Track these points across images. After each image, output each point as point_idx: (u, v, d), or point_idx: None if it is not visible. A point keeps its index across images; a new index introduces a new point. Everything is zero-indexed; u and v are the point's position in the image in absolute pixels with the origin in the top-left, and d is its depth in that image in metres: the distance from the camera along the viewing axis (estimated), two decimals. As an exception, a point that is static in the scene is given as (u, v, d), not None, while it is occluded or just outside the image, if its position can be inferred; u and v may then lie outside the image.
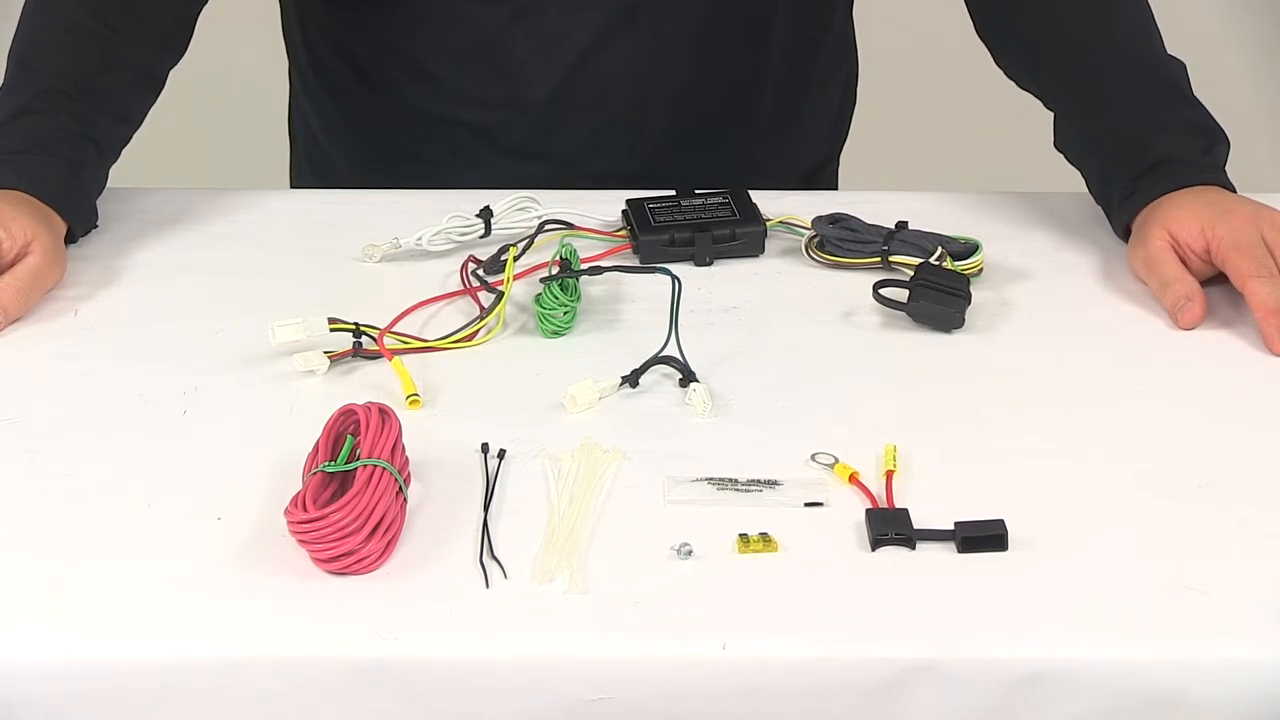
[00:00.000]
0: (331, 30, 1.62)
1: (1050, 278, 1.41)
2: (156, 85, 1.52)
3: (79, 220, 1.43)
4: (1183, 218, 1.37)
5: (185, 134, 2.32)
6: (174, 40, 1.52)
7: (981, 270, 1.38)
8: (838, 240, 1.40)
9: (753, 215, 1.44)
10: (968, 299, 1.34)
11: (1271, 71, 2.87)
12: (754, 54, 1.57)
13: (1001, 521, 1.13)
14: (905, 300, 1.33)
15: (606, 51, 1.52)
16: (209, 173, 2.55)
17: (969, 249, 1.39)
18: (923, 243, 1.39)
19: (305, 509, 1.10)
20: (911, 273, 1.36)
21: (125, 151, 1.48)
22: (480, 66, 1.55)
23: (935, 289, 1.34)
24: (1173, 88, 1.46)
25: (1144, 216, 1.40)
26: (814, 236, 1.42)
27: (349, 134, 1.66)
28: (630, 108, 1.55)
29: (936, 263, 1.36)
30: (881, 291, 1.34)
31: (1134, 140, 1.43)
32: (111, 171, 1.47)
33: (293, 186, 1.74)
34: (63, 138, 1.42)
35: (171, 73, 1.52)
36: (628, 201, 1.46)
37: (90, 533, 1.14)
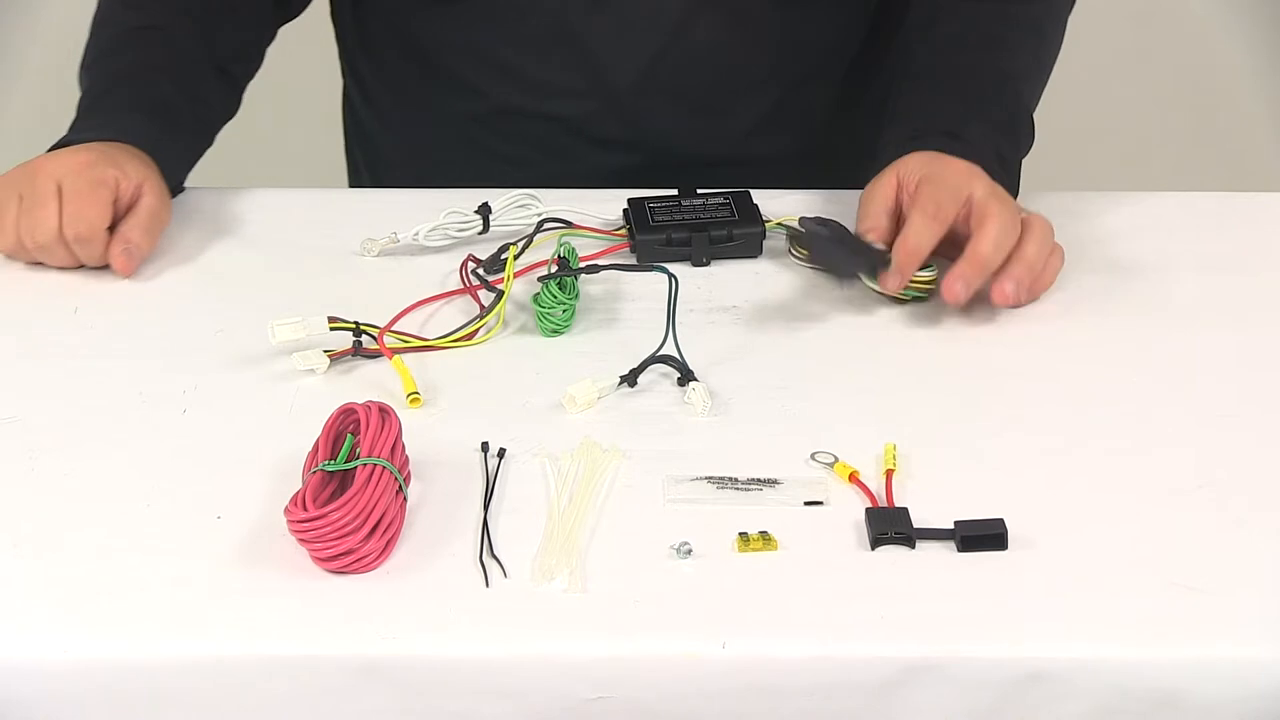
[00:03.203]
0: (400, 31, 1.61)
1: (1050, 277, 1.41)
2: (234, 89, 1.57)
3: (170, 172, 1.47)
4: (915, 163, 1.37)
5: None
6: (255, 50, 1.59)
7: (932, 289, 1.35)
8: (819, 240, 1.40)
9: (752, 216, 1.44)
10: (869, 267, 1.33)
11: (1271, 71, 2.87)
12: (839, 27, 1.56)
13: (1001, 521, 1.13)
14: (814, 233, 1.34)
15: (691, 32, 1.50)
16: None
17: (922, 265, 1.37)
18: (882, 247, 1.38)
19: (305, 508, 1.10)
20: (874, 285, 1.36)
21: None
22: (561, 56, 1.54)
23: (845, 246, 1.34)
24: (999, 103, 1.46)
25: (895, 159, 1.40)
26: (795, 234, 1.42)
27: (419, 138, 1.65)
28: (719, 90, 1.53)
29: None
30: (800, 225, 1.35)
31: (939, 117, 1.43)
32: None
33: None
34: (146, 102, 1.48)
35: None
36: (629, 200, 1.46)
37: (90, 532, 1.14)
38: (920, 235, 1.33)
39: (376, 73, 1.66)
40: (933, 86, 1.47)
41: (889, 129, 1.45)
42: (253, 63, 1.60)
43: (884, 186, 1.38)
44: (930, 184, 1.36)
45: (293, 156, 2.42)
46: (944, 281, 1.33)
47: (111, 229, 1.40)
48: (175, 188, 1.49)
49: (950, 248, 1.35)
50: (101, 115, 1.47)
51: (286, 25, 1.64)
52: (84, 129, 1.46)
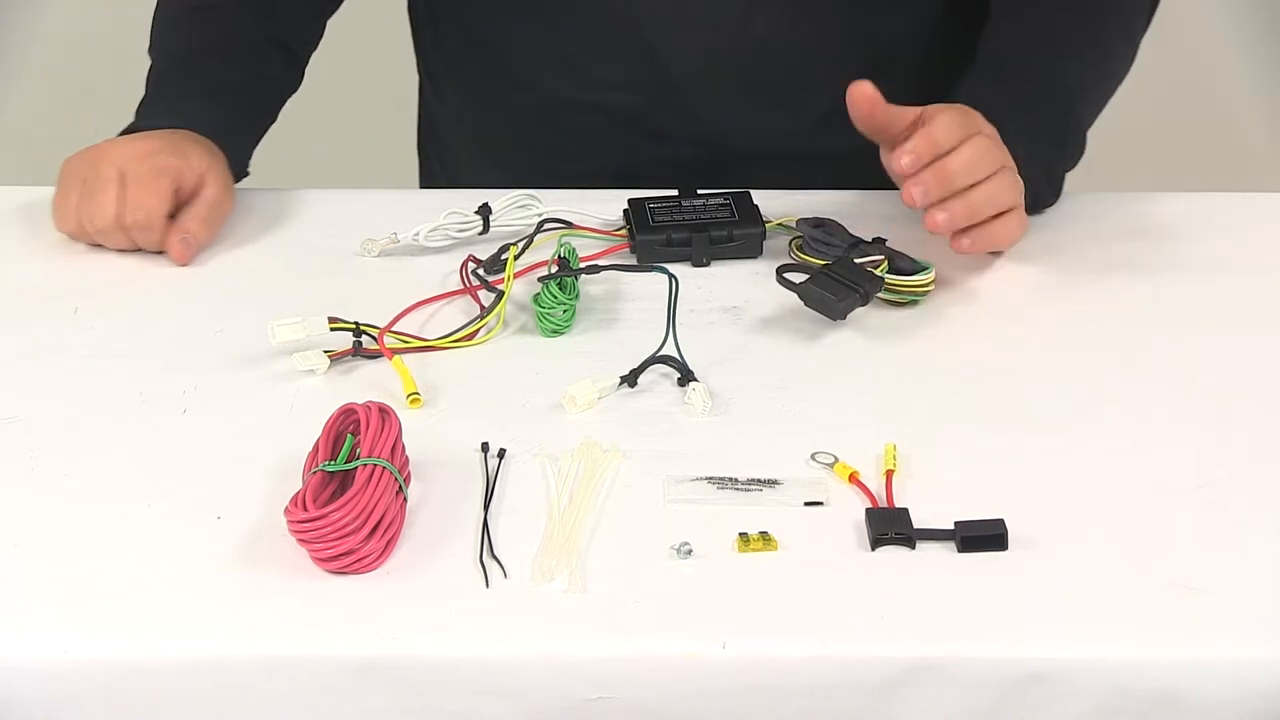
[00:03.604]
0: (464, 23, 1.62)
1: (1051, 278, 1.41)
2: (295, 66, 1.60)
3: (234, 158, 1.48)
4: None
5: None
6: (314, 25, 1.61)
7: (929, 290, 1.36)
8: (812, 243, 1.40)
9: (752, 217, 1.44)
10: (864, 296, 1.33)
11: (1271, 71, 2.87)
12: (911, 22, 1.55)
13: (1001, 521, 1.13)
14: (801, 283, 1.33)
15: (753, 25, 1.48)
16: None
17: (918, 268, 1.37)
18: (877, 251, 1.38)
19: (305, 508, 1.10)
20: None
21: (263, 152, 1.53)
22: (620, 48, 1.54)
23: (833, 279, 1.33)
24: (1049, 106, 1.46)
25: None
26: (798, 236, 1.42)
27: (486, 132, 1.66)
28: (782, 84, 1.51)
29: (868, 263, 1.35)
30: (785, 275, 1.34)
31: (986, 108, 1.42)
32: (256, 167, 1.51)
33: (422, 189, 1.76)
34: (211, 88, 1.50)
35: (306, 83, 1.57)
36: (629, 200, 1.46)
37: (90, 532, 1.14)
38: (949, 132, 1.33)
39: (445, 66, 1.67)
40: (989, 80, 1.46)
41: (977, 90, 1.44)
42: (313, 35, 1.62)
43: (910, 110, 1.36)
44: (944, 110, 1.35)
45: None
46: (904, 186, 1.33)
47: (174, 216, 1.42)
48: (240, 171, 1.51)
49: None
50: (166, 100, 1.50)
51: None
52: (150, 114, 1.49)
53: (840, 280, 1.33)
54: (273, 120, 1.57)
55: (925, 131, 1.34)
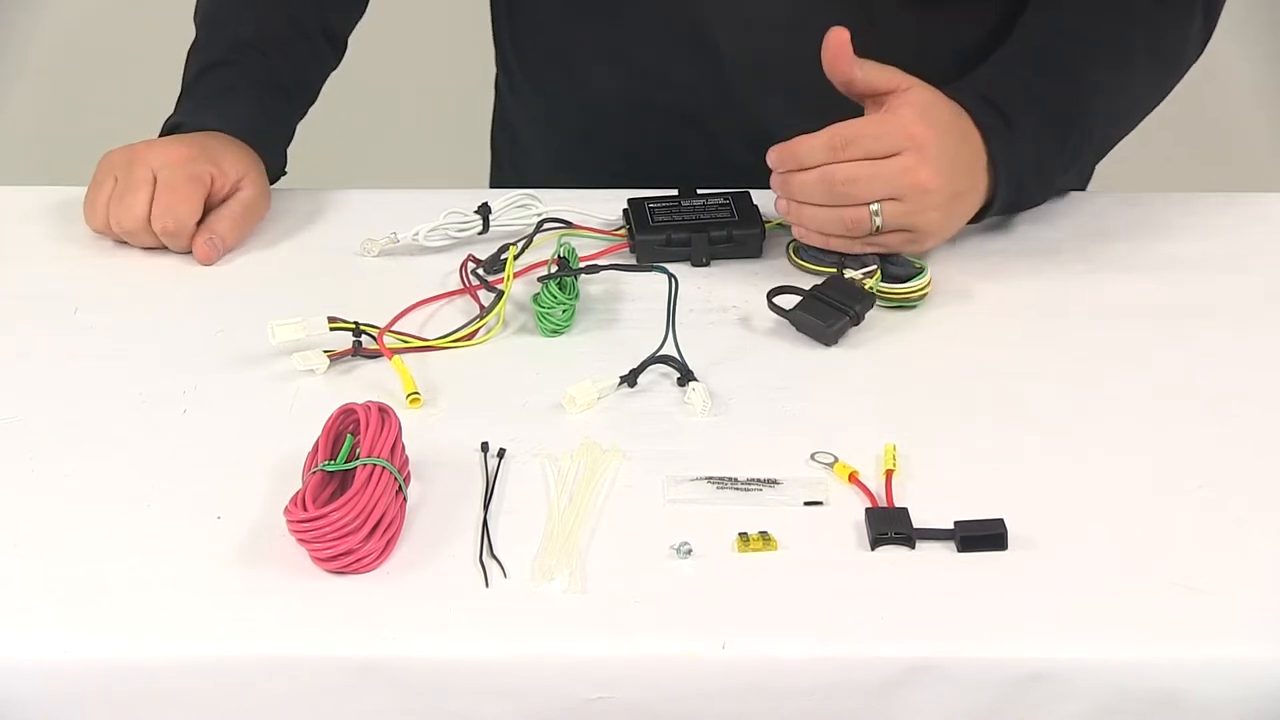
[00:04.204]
0: (538, 22, 1.62)
1: (1051, 278, 1.41)
2: (336, 43, 1.61)
3: (273, 160, 1.49)
4: (922, 94, 1.36)
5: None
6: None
7: (926, 294, 1.36)
8: (808, 245, 1.40)
9: (751, 217, 1.44)
10: (855, 318, 1.32)
11: (1271, 72, 2.87)
12: (977, 33, 1.52)
13: (1001, 521, 1.13)
14: (792, 309, 1.33)
15: (814, 31, 1.44)
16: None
17: (912, 272, 1.37)
18: (870, 260, 1.37)
19: (305, 508, 1.10)
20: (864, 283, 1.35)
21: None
22: (683, 49, 1.53)
23: (824, 302, 1.33)
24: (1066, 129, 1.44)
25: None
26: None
27: (549, 127, 1.66)
28: (835, 90, 1.44)
29: (863, 277, 1.35)
30: (775, 300, 1.34)
31: (982, 81, 1.42)
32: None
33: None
34: (253, 84, 1.52)
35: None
36: (629, 200, 1.46)
37: (90, 532, 1.14)
38: (812, 153, 1.33)
39: (516, 58, 1.67)
40: (1005, 63, 1.44)
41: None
42: (356, 14, 1.63)
43: (889, 73, 1.36)
44: (886, 123, 1.34)
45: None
46: (768, 154, 1.35)
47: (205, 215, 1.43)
48: (278, 170, 1.52)
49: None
50: (208, 96, 1.51)
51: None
52: (191, 110, 1.50)
53: (830, 303, 1.33)
54: (311, 103, 1.58)
55: (829, 132, 1.33)
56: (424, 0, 1.99)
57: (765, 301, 1.35)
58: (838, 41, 1.36)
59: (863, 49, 1.38)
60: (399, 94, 1.94)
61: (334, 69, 1.62)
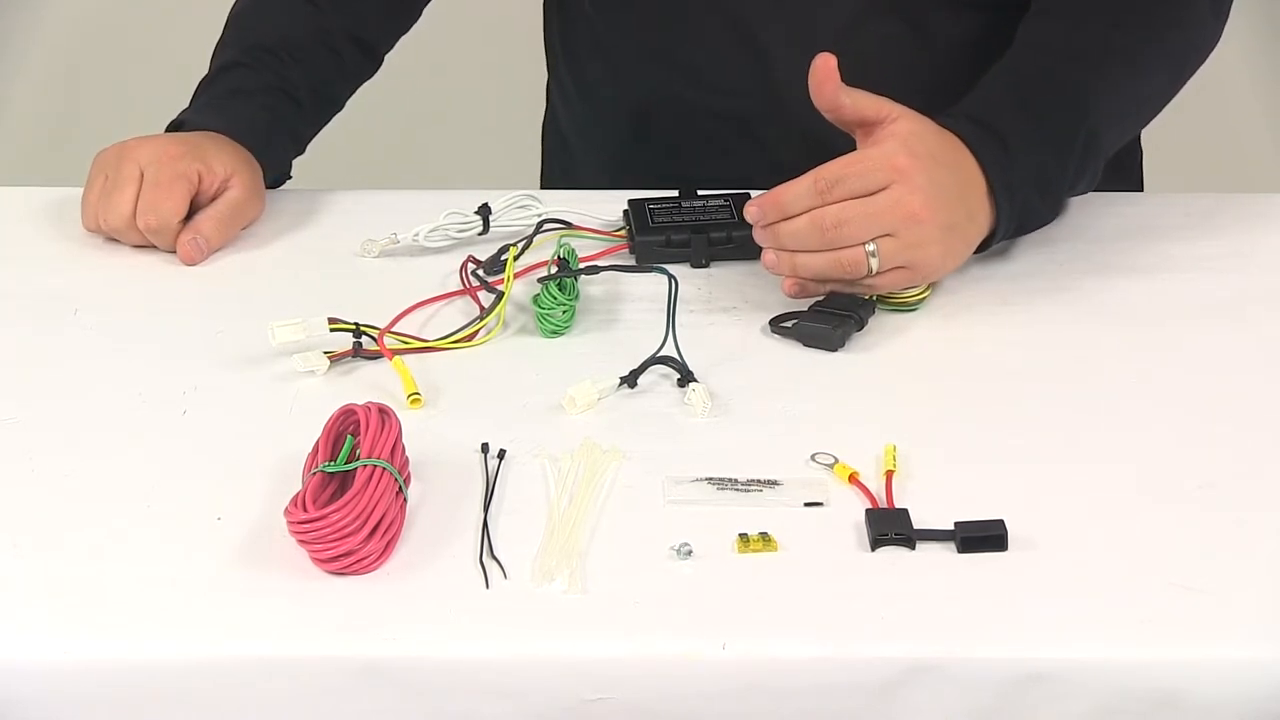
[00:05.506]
0: (593, 32, 1.62)
1: (1050, 278, 1.41)
2: (370, 54, 1.61)
3: (270, 164, 1.49)
4: (911, 124, 1.33)
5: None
6: (393, 10, 1.62)
7: (924, 299, 1.36)
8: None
9: (752, 217, 1.44)
10: (858, 323, 1.32)
11: (1271, 71, 2.87)
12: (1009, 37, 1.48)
13: (1001, 521, 1.13)
14: (794, 325, 1.32)
15: (862, 36, 1.45)
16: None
17: None
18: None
19: (305, 509, 1.10)
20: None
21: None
22: (733, 53, 1.53)
23: (825, 311, 1.32)
24: (1064, 132, 1.41)
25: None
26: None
27: (601, 136, 1.66)
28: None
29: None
30: (783, 324, 1.33)
31: (975, 101, 1.40)
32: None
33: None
34: (263, 89, 1.52)
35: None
36: (630, 201, 1.46)
37: (90, 533, 1.14)
38: (797, 199, 1.31)
39: (566, 58, 1.67)
40: (1005, 78, 1.42)
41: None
42: (397, 26, 1.63)
43: (877, 101, 1.33)
44: (870, 159, 1.31)
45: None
46: (746, 208, 1.33)
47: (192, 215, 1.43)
48: (280, 176, 1.52)
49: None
50: (219, 97, 1.51)
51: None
52: (200, 109, 1.50)
53: (828, 311, 1.33)
54: (337, 110, 1.58)
55: (812, 175, 1.31)
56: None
57: (764, 301, 1.35)
58: (824, 68, 1.33)
59: (914, 57, 1.36)
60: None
61: (367, 79, 1.61)
